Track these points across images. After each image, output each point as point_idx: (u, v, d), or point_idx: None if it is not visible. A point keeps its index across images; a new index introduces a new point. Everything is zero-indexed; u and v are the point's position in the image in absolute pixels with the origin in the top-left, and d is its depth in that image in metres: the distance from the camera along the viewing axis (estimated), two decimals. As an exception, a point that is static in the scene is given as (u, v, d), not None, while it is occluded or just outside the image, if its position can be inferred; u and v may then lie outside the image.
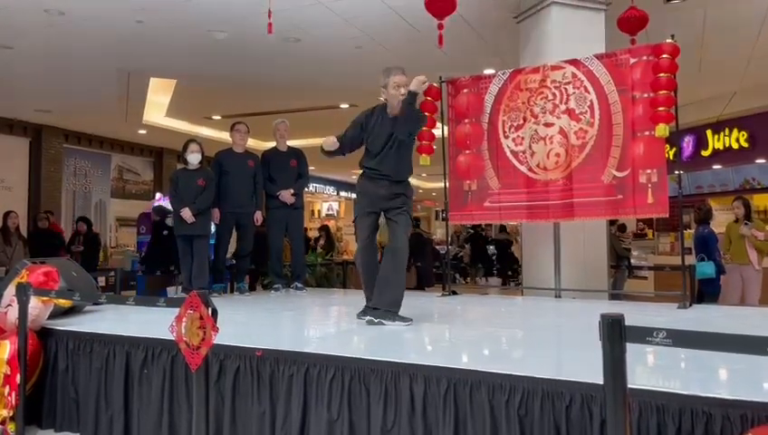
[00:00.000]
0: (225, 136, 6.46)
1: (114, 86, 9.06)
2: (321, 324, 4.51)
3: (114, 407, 3.36)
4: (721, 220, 8.27)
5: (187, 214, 5.42)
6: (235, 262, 6.27)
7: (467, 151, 5.44)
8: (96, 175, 13.22)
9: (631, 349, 1.74)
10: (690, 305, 4.59)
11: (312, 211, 21.26)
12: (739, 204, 6.95)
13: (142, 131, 12.32)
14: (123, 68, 8.31)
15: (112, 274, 6.44)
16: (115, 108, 10.33)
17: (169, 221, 8.12)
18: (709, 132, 10.68)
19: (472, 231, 16.07)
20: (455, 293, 5.80)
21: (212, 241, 5.95)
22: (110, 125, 11.92)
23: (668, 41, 4.47)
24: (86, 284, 4.44)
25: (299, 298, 5.73)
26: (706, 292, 6.68)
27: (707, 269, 6.52)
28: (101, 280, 8.95)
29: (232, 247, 6.23)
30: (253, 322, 4.34)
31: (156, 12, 6.31)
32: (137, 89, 9.28)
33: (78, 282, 4.28)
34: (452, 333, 3.75)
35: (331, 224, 20.59)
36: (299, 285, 6.13)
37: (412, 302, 4.21)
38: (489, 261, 16.68)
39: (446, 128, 5.60)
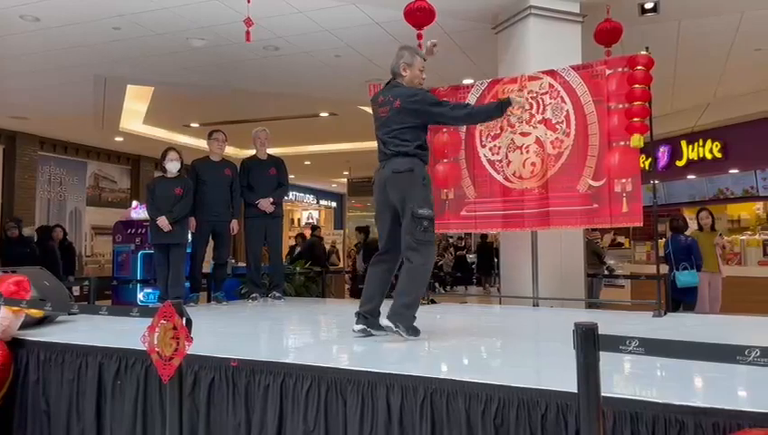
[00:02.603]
0: (203, 144, 6.42)
1: (90, 93, 8.96)
2: (298, 334, 4.48)
3: (86, 419, 3.29)
4: (694, 229, 8.38)
5: (163, 222, 5.38)
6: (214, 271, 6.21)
7: (445, 160, 5.47)
8: (71, 183, 13.02)
9: (610, 357, 1.75)
10: (665, 314, 4.65)
11: (292, 220, 21.17)
12: (707, 214, 7.10)
13: (119, 139, 12.19)
14: (100, 75, 8.22)
15: (87, 283, 6.31)
16: (91, 115, 10.21)
17: (27, 231, 8.19)
18: (683, 143, 10.86)
19: (480, 240, 16.28)
20: (433, 302, 5.81)
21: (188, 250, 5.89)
22: (86, 132, 11.77)
23: (643, 53, 4.54)
24: (59, 293, 4.36)
25: (277, 308, 5.69)
26: (685, 300, 6.70)
27: (691, 278, 6.55)
28: (76, 289, 8.81)
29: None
30: (229, 331, 4.29)
31: (133, 19, 6.26)
32: (113, 96, 9.19)
33: (50, 291, 4.20)
34: (430, 343, 3.74)
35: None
36: (277, 294, 6.09)
37: (390, 311, 4.18)
38: (469, 270, 16.79)
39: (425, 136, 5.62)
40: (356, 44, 7.06)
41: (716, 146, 10.34)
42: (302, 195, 20.57)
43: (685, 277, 6.52)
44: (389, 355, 3.28)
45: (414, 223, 3.49)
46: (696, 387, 2.47)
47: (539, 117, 4.99)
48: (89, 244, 13.36)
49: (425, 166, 3.65)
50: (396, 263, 3.75)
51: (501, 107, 3.74)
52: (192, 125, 11.58)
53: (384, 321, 3.48)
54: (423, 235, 3.50)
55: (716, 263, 6.90)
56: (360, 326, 3.62)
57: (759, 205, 12.02)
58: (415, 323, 3.51)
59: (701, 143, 10.57)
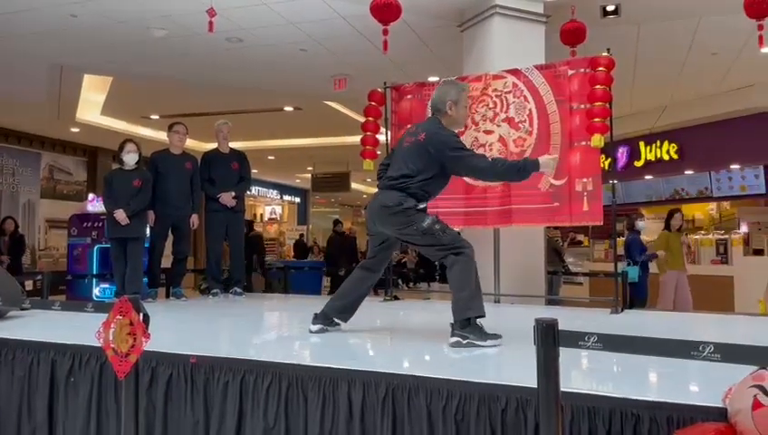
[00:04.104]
0: (163, 136, 6.28)
1: (45, 82, 8.69)
2: (258, 330, 4.43)
3: (37, 418, 3.19)
4: (652, 228, 8.68)
5: (120, 215, 5.24)
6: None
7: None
8: (24, 174, 12.60)
9: (568, 353, 1.77)
10: (622, 311, 4.75)
11: (255, 215, 20.94)
12: (681, 216, 7.41)
13: (75, 130, 11.86)
14: (56, 63, 7.98)
15: (40, 277, 6.13)
16: (46, 104, 9.90)
17: None
18: (642, 144, 11.12)
19: None
20: (396, 298, 5.82)
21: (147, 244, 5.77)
22: (41, 122, 11.42)
23: (604, 54, 4.62)
24: (10, 287, 4.22)
25: (237, 303, 5.62)
26: (634, 296, 6.96)
27: (631, 273, 6.84)
28: (29, 284, 8.55)
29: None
30: (188, 327, 4.22)
31: (91, 6, 6.08)
32: (70, 85, 8.93)
33: (1, 286, 4.07)
34: (393, 339, 3.75)
35: (274, 228, 20.34)
36: (238, 289, 6.01)
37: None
38: (432, 267, 16.89)
39: (389, 133, 5.62)
40: (321, 39, 7.00)
41: (673, 147, 10.62)
42: (265, 190, 20.35)
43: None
44: (351, 351, 3.27)
45: (428, 237, 3.33)
46: (652, 382, 2.53)
47: (502, 115, 5.04)
48: (42, 237, 12.97)
49: (417, 203, 3.39)
50: (378, 272, 3.67)
51: (527, 168, 3.43)
52: (152, 117, 11.34)
53: (451, 339, 3.18)
54: (443, 236, 3.33)
55: (683, 261, 7.20)
56: (318, 326, 3.59)
57: (713, 205, 12.42)
58: (487, 330, 3.21)
59: (658, 144, 10.84)
